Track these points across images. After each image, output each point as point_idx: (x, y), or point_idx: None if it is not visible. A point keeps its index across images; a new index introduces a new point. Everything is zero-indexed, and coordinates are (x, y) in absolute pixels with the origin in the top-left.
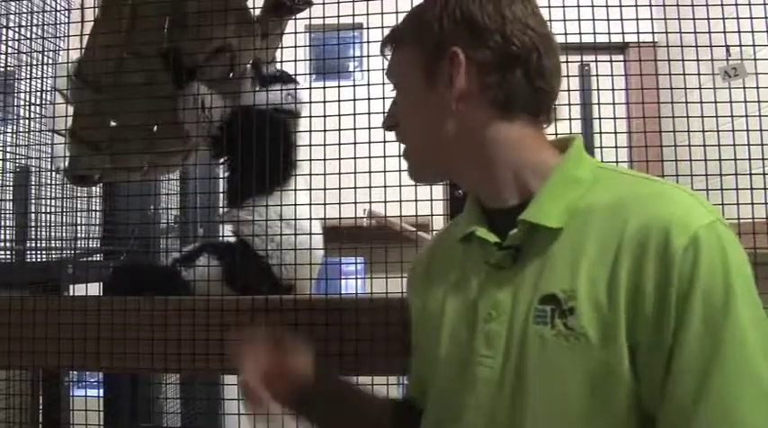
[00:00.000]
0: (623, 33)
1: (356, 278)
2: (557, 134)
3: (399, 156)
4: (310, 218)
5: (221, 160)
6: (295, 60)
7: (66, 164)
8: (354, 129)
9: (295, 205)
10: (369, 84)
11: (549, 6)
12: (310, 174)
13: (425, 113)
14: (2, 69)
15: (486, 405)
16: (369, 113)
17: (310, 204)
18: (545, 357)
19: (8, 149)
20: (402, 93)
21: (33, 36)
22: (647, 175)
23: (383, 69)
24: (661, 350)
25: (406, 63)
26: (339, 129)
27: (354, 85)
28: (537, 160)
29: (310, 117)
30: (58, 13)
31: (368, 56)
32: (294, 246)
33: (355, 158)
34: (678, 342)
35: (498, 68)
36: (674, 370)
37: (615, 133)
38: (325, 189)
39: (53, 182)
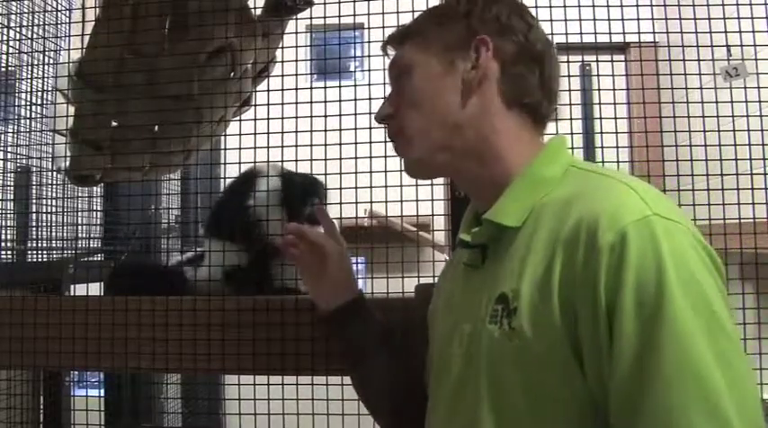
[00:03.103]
0: (624, 33)
1: (357, 278)
2: (557, 134)
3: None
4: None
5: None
6: (296, 60)
7: (67, 163)
8: (355, 128)
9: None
10: (370, 84)
11: (551, 6)
12: (311, 174)
13: (443, 96)
14: (3, 69)
15: (452, 402)
16: (370, 113)
17: (312, 204)
18: (493, 356)
19: (9, 149)
20: (414, 81)
21: (34, 36)
22: (606, 171)
23: (384, 69)
24: (600, 351)
25: (422, 51)
26: (340, 129)
27: (355, 85)
28: (522, 159)
29: (311, 117)
30: (59, 13)
31: (369, 56)
32: None
33: (356, 158)
34: (613, 343)
35: (521, 63)
36: (613, 376)
37: (616, 133)
38: (326, 189)
39: (54, 181)
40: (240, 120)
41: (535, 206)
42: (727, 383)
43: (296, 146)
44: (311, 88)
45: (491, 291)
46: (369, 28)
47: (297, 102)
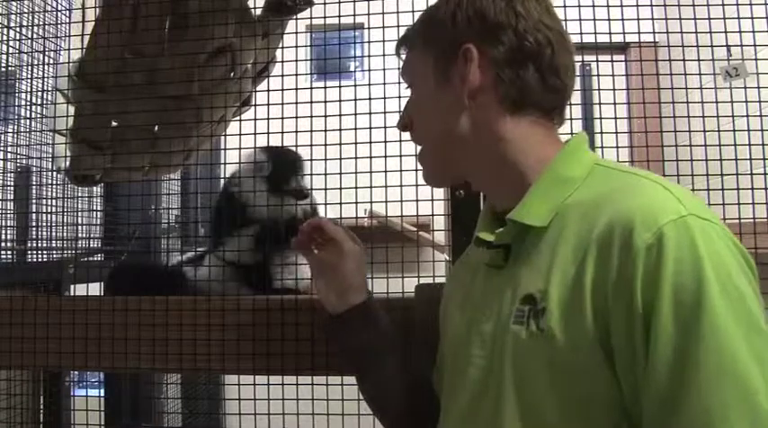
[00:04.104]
0: (624, 33)
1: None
2: (577, 132)
3: (400, 155)
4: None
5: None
6: (296, 60)
7: (68, 163)
8: (355, 128)
9: (296, 205)
10: (370, 84)
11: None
12: (311, 174)
13: (439, 111)
14: (3, 69)
15: (474, 404)
16: (370, 113)
17: (311, 204)
18: (519, 358)
19: (9, 149)
20: (416, 94)
21: (34, 36)
22: (633, 170)
23: (384, 69)
24: (635, 355)
25: (420, 63)
26: (340, 129)
27: (355, 85)
28: (540, 158)
29: (311, 117)
30: (59, 13)
31: (369, 56)
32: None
33: (356, 158)
34: (650, 347)
35: (511, 64)
36: (649, 379)
37: (616, 133)
38: (326, 189)
39: (54, 181)
40: (240, 120)
41: (561, 206)
42: (765, 383)
43: (296, 146)
44: (311, 88)
45: (515, 292)
46: (369, 28)
47: (297, 102)
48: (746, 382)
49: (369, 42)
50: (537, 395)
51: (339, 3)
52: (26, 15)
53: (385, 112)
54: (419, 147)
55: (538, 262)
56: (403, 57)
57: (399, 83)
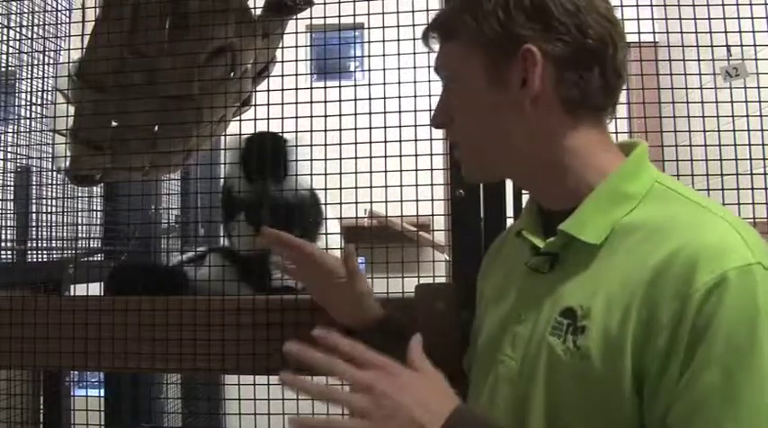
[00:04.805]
0: (624, 33)
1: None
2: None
3: (400, 155)
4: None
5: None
6: (296, 60)
7: (67, 163)
8: (355, 128)
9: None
10: (370, 84)
11: None
12: (311, 174)
13: (492, 115)
14: (3, 69)
15: (501, 404)
16: (370, 113)
17: (315, 204)
18: (551, 371)
19: (9, 149)
20: (460, 92)
21: (34, 36)
22: (696, 197)
23: (384, 69)
24: (667, 391)
25: (465, 59)
26: (340, 129)
27: (355, 85)
28: (597, 164)
29: (311, 117)
30: (59, 13)
31: (369, 56)
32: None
33: (356, 158)
34: (688, 386)
35: (574, 66)
36: (681, 414)
37: (616, 133)
38: (326, 189)
39: (54, 181)
40: (240, 120)
41: (617, 224)
42: None
43: (296, 146)
44: (311, 88)
45: (555, 302)
46: (369, 28)
47: (297, 102)
48: None
49: (369, 42)
50: (565, 407)
51: (339, 3)
52: (26, 15)
53: (385, 112)
54: (467, 152)
55: (583, 276)
56: (434, 47)
57: (399, 83)
